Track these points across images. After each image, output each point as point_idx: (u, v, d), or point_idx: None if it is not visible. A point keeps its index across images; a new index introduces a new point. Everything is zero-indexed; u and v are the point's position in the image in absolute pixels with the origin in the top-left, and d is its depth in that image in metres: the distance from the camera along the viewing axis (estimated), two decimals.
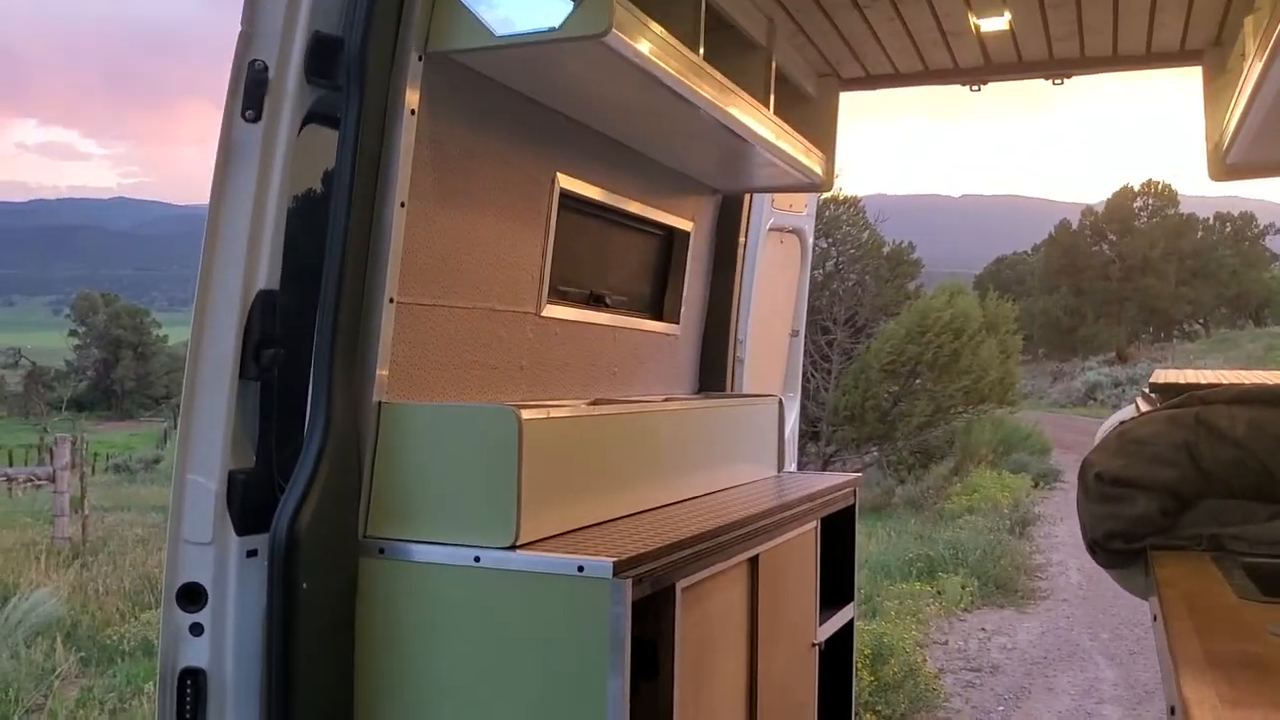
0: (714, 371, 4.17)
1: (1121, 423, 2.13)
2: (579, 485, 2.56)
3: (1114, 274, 30.96)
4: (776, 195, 4.32)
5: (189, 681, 2.18)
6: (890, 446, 18.76)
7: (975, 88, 4.17)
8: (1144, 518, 1.91)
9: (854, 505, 3.83)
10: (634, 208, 3.41)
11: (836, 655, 3.79)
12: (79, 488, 13.89)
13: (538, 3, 2.26)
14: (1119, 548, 1.94)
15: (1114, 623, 8.97)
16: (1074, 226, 32.64)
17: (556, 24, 2.24)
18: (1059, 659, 8.09)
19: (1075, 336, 30.51)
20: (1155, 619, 1.34)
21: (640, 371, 3.66)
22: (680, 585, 2.41)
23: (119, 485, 23.74)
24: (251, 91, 2.17)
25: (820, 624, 3.46)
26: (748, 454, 3.64)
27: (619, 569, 2.17)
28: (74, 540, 12.58)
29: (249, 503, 2.21)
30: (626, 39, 2.30)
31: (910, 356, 18.31)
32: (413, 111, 2.34)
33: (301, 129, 2.24)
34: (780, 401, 3.96)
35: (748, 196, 4.14)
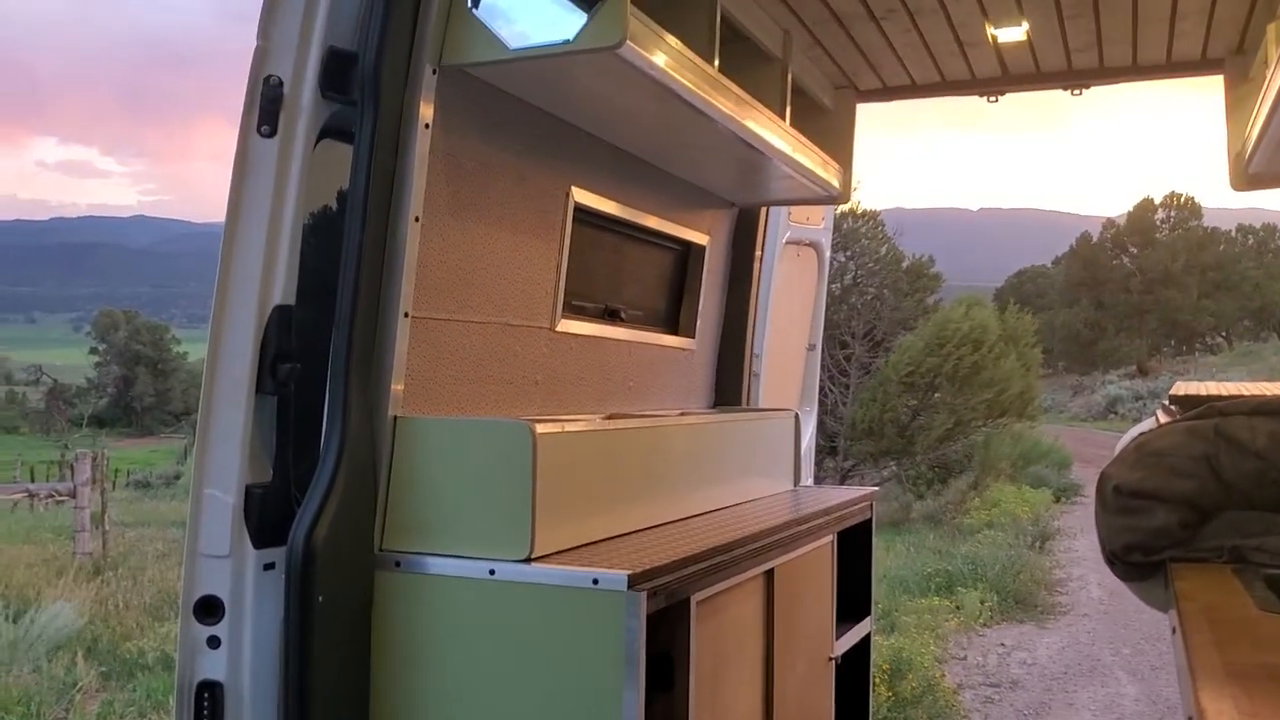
0: (730, 386, 4.15)
1: (1140, 435, 2.11)
2: (594, 499, 2.55)
3: (1135, 287, 30.78)
4: (794, 208, 4.32)
5: (206, 694, 2.18)
6: (908, 461, 18.69)
7: (993, 99, 4.16)
8: (1163, 530, 1.89)
9: (871, 519, 3.81)
10: (649, 221, 3.42)
11: (854, 670, 3.77)
12: (99, 503, 13.98)
13: (552, 16, 2.26)
14: (1138, 560, 1.92)
15: (1135, 638, 8.90)
16: (1094, 239, 32.51)
17: (570, 36, 2.25)
18: (1079, 674, 8.03)
19: (1096, 350, 30.33)
20: (1174, 631, 1.32)
21: (655, 386, 3.65)
22: (695, 598, 2.40)
23: (139, 501, 23.88)
24: (266, 107, 2.19)
25: (837, 638, 3.45)
26: (763, 468, 3.62)
27: (634, 581, 2.16)
28: (95, 555, 12.66)
29: (266, 516, 2.22)
30: (641, 51, 2.30)
31: (929, 369, 18.25)
32: (427, 125, 2.35)
33: (317, 144, 2.25)
34: (796, 416, 3.95)
35: (764, 210, 4.14)
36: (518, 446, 2.26)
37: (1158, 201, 32.08)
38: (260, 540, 2.21)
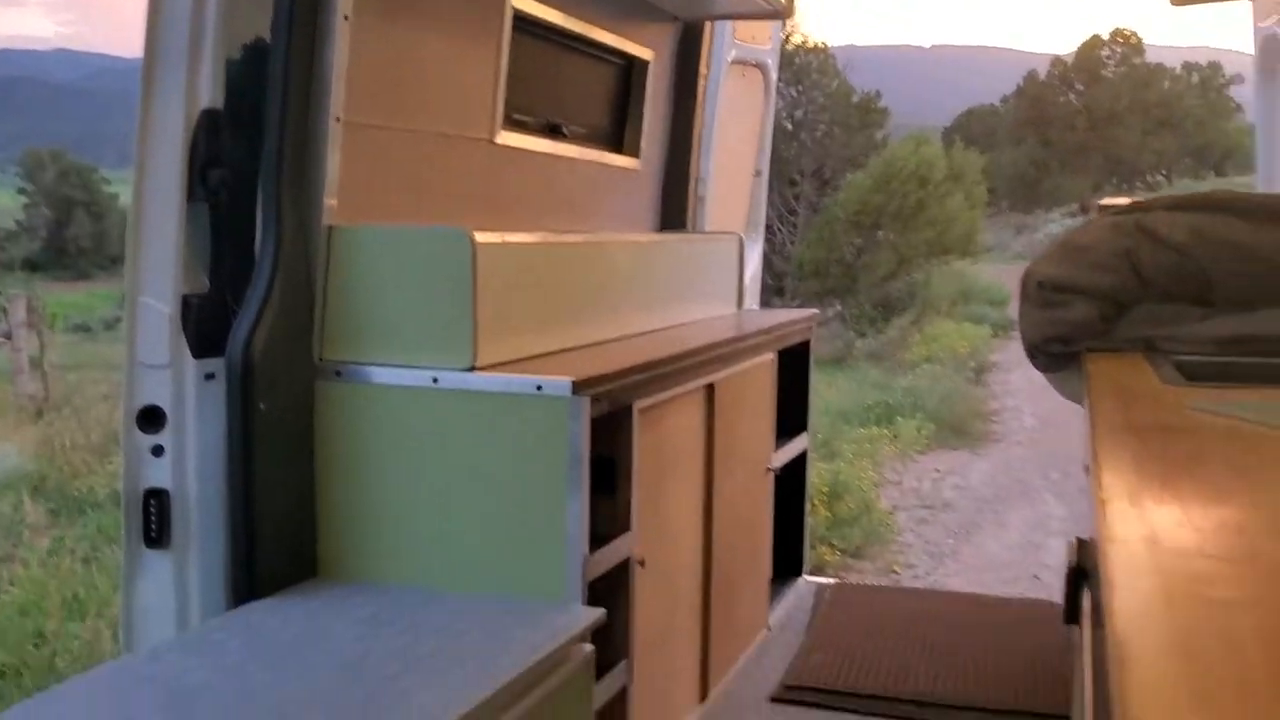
0: (674, 208, 4.14)
1: (1065, 232, 2.16)
2: (537, 313, 2.57)
3: (1081, 125, 30.79)
4: (738, 26, 4.23)
5: (153, 501, 2.21)
6: (853, 300, 18.91)
7: None
8: (1082, 322, 1.96)
9: (809, 340, 3.88)
10: (592, 33, 3.34)
11: (792, 483, 3.91)
12: (38, 345, 13.77)
13: None
14: (1057, 351, 1.99)
15: (1064, 463, 9.24)
16: (1042, 77, 32.28)
17: None
18: (1009, 497, 8.35)
19: (1040, 189, 30.49)
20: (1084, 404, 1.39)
21: (599, 206, 3.64)
22: (638, 406, 2.46)
23: (80, 345, 23.54)
24: None
25: (775, 450, 3.55)
26: (707, 291, 3.66)
27: (577, 388, 2.20)
28: (36, 398, 12.54)
29: (204, 326, 2.21)
30: None
31: (875, 207, 18.29)
32: None
33: None
34: (740, 240, 3.97)
35: (709, 26, 4.05)
36: (457, 255, 2.25)
37: (1105, 38, 31.78)
38: (199, 350, 2.21)
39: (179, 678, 1.87)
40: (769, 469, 3.47)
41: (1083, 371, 1.68)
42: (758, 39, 4.45)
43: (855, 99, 20.83)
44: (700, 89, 4.07)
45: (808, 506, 4.14)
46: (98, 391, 13.41)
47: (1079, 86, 31.67)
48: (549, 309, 2.63)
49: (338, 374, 2.34)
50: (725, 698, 3.09)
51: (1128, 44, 31.54)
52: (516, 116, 3.08)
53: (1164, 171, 31.23)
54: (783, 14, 3.87)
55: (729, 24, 4.15)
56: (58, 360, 15.38)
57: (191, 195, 2.17)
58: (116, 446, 9.41)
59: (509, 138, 3.00)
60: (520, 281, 2.49)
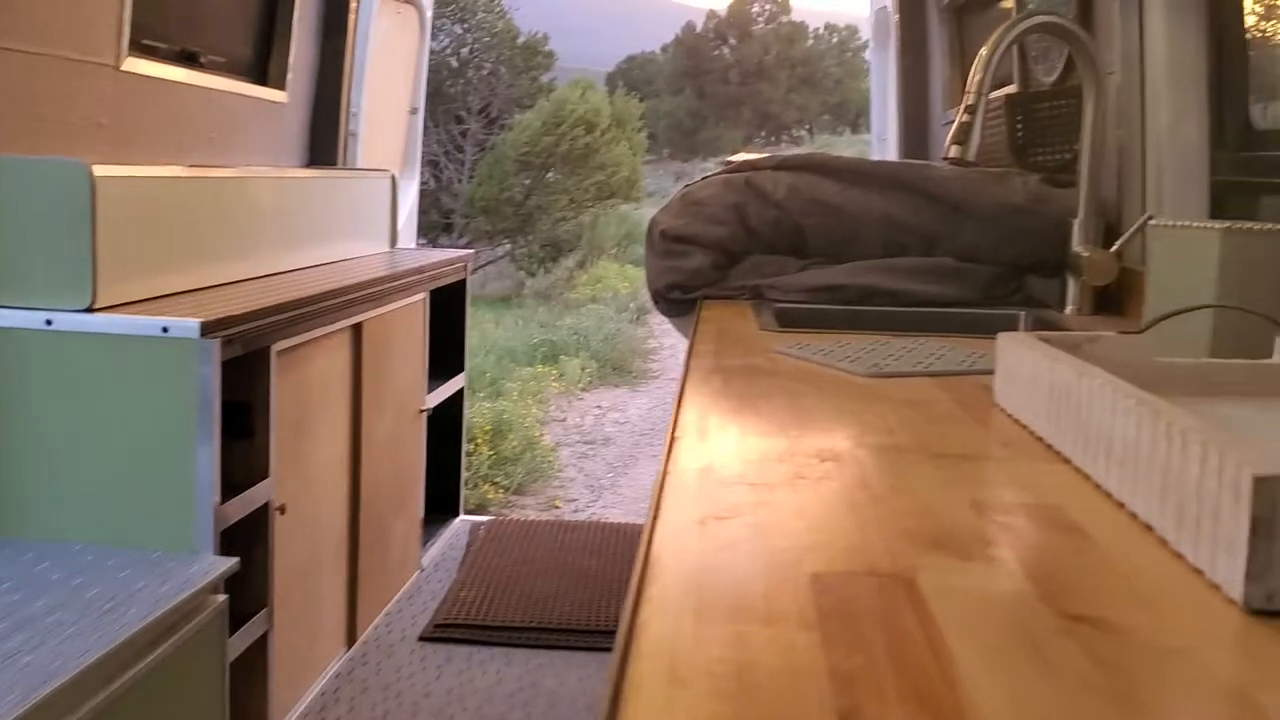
0: (325, 145, 4.03)
1: (685, 186, 2.32)
2: (170, 251, 2.45)
3: (733, 78, 32.42)
4: None
5: None
6: (523, 239, 19.10)
7: None
8: (699, 271, 2.12)
9: (465, 280, 3.91)
10: None
11: (447, 424, 3.95)
12: None
13: None
14: (677, 297, 2.15)
15: None
16: (699, 29, 33.72)
17: None
18: (665, 431, 8.80)
19: (698, 138, 31.93)
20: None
21: (243, 140, 3.48)
22: (276, 348, 2.40)
23: None
24: None
25: (429, 392, 3.58)
26: (357, 230, 3.60)
27: (207, 329, 2.13)
28: None
29: None
30: None
31: (545, 149, 18.51)
32: None
33: None
34: (393, 177, 3.92)
35: None
36: (74, 188, 2.10)
37: None
38: None
39: None
40: (421, 410, 3.49)
41: (697, 317, 1.83)
42: None
43: (521, 40, 20.85)
44: (351, 23, 3.97)
45: (465, 448, 4.20)
46: None
47: (732, 41, 33.28)
48: (181, 247, 2.51)
49: None
50: (374, 640, 3.11)
51: (776, 3, 33.49)
52: (146, 42, 2.88)
53: (807, 126, 33.49)
54: None
55: None
56: None
57: None
58: None
59: (137, 65, 2.80)
60: (148, 218, 2.36)
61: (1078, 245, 2.09)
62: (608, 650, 3.06)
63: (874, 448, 1.00)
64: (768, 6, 33.64)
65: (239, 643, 2.28)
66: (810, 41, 34.39)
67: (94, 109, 2.68)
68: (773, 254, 2.15)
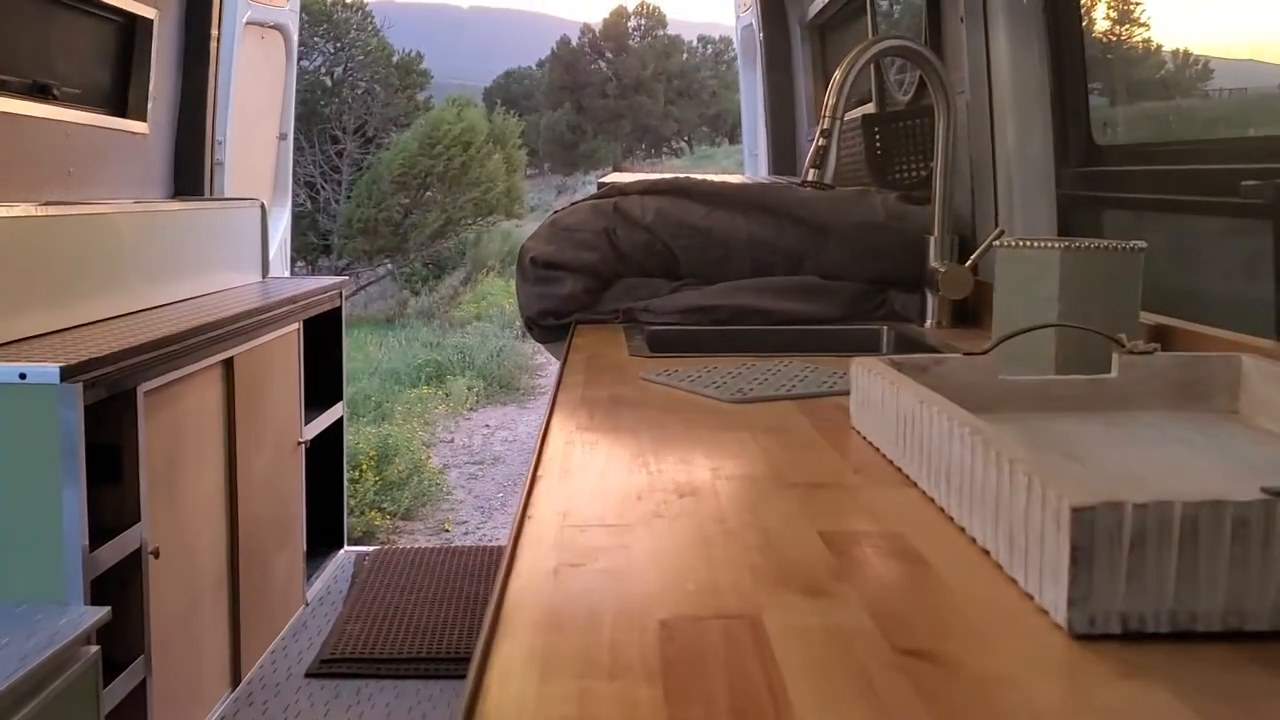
0: (190, 175, 3.94)
1: (554, 213, 2.34)
2: (26, 293, 2.37)
3: (611, 91, 32.58)
4: None
5: None
6: (403, 258, 18.89)
7: None
8: (571, 296, 2.13)
9: (340, 307, 3.86)
10: None
11: (329, 453, 3.89)
12: None
13: None
14: (551, 324, 2.16)
15: None
16: (574, 43, 33.79)
17: None
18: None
19: (577, 152, 31.95)
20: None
21: (103, 173, 3.38)
22: (142, 389, 2.34)
23: None
24: None
25: (306, 424, 3.52)
26: (227, 260, 3.53)
27: (67, 374, 2.07)
28: None
29: None
30: None
31: (422, 169, 18.35)
32: None
33: None
34: (263, 206, 3.85)
35: None
36: None
37: (630, 9, 33.99)
38: None
39: None
40: (300, 442, 3.43)
41: (569, 344, 1.84)
42: (275, 0, 4.32)
43: (396, 59, 20.65)
44: (213, 50, 3.89)
45: (348, 476, 4.14)
46: None
47: (609, 55, 33.46)
48: (38, 288, 2.44)
49: None
50: (260, 679, 3.05)
51: (651, 16, 33.78)
52: None
53: (686, 138, 33.83)
54: None
55: None
56: None
57: None
58: None
59: None
60: (5, 261, 2.28)
61: (934, 261, 2.17)
62: None
63: (732, 479, 1.03)
64: (643, 21, 33.92)
65: (115, 692, 2.21)
66: (686, 55, 34.76)
67: None
68: (644, 276, 2.18)
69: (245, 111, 4.22)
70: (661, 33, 33.97)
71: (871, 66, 2.97)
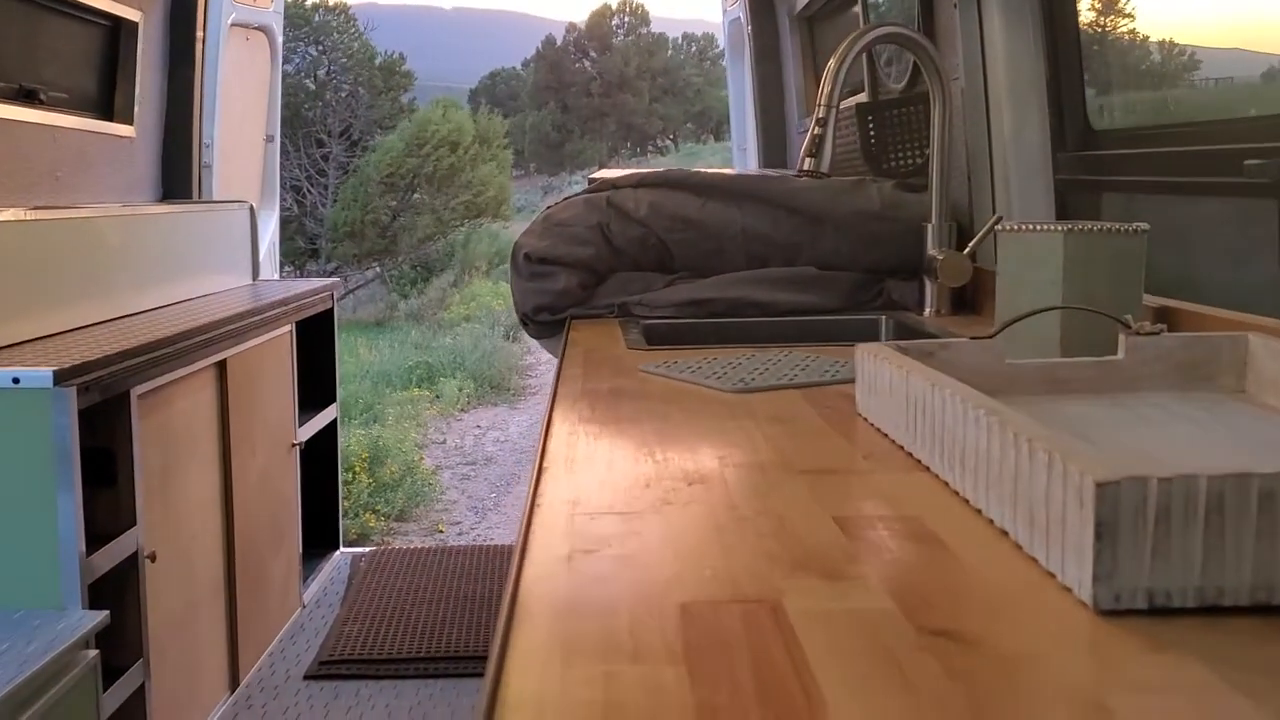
0: (178, 178, 3.92)
1: (547, 208, 2.32)
2: (18, 299, 2.36)
3: (596, 90, 32.56)
4: None
5: None
6: (391, 261, 18.84)
7: None
8: (565, 291, 2.12)
9: (332, 309, 3.84)
10: None
11: (323, 455, 3.87)
12: None
13: None
14: (546, 319, 2.15)
15: None
16: (559, 43, 33.75)
17: None
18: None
19: (563, 151, 31.92)
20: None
21: (90, 177, 3.36)
22: (136, 392, 2.32)
23: None
24: None
25: (300, 425, 3.50)
26: (217, 264, 3.51)
27: (60, 378, 2.05)
28: None
29: None
30: None
31: (409, 170, 18.31)
32: None
33: None
34: (251, 208, 3.83)
35: None
36: None
37: (614, 7, 33.92)
38: None
39: None
40: (294, 444, 3.41)
41: (565, 338, 1.83)
42: (259, 1, 4.30)
43: (379, 61, 20.60)
44: (198, 53, 3.87)
45: (342, 478, 4.12)
46: None
47: (593, 54, 33.42)
48: (30, 293, 2.42)
49: None
50: (258, 682, 3.03)
51: (635, 14, 33.76)
52: None
53: (671, 136, 33.82)
54: None
55: None
56: None
57: None
58: None
59: None
60: None
61: (932, 249, 2.16)
62: None
63: (740, 466, 1.02)
64: (626, 19, 33.89)
65: (115, 697, 2.20)
66: (670, 52, 34.75)
67: None
68: (638, 270, 2.17)
69: (232, 114, 4.20)
70: (645, 30, 33.95)
71: (864, 56, 2.96)
